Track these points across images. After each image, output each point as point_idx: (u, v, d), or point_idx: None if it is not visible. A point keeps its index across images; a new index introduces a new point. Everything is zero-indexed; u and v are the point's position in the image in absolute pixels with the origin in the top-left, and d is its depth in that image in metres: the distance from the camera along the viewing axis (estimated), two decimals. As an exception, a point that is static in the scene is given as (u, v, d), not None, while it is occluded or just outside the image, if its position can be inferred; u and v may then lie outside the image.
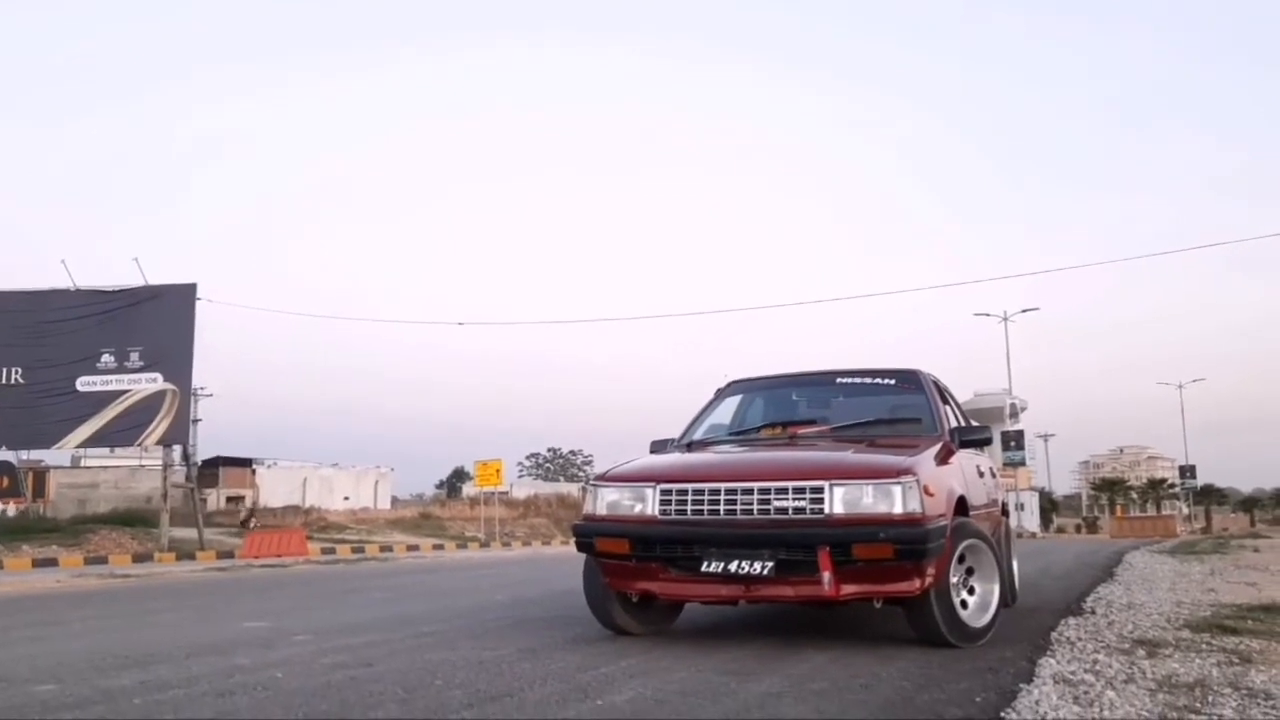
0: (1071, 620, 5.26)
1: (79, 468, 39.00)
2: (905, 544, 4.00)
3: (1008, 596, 5.59)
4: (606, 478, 4.81)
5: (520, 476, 69.65)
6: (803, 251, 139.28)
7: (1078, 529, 51.51)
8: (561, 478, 72.38)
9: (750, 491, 4.25)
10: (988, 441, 5.65)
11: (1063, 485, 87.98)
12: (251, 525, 26.03)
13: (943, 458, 4.68)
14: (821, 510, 4.12)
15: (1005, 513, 6.80)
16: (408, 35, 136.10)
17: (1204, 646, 4.17)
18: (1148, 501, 69.46)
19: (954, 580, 4.31)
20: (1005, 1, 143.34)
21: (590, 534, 4.60)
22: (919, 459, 4.35)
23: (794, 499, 4.17)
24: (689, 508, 4.36)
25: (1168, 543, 21.50)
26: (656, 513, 4.42)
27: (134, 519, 23.78)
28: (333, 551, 20.22)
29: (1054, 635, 4.63)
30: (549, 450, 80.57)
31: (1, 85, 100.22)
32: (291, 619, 6.47)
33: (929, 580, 4.12)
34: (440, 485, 73.58)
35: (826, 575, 4.02)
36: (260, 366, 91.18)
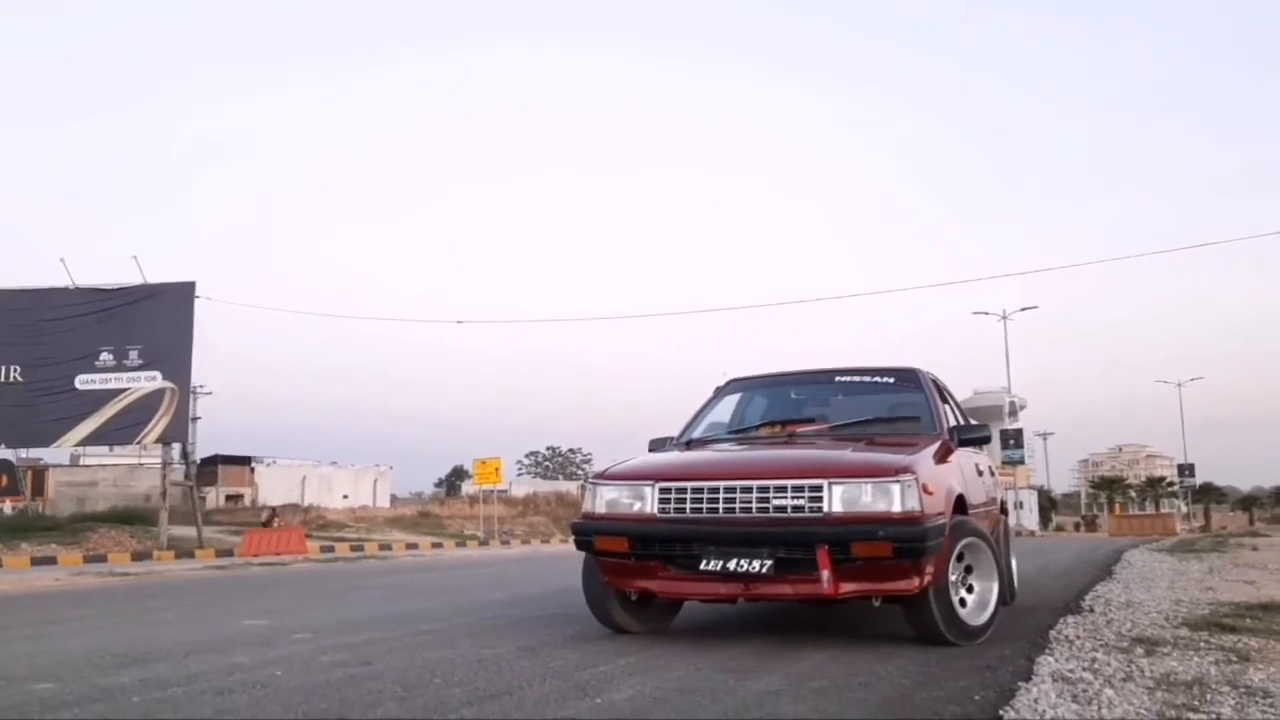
0: (1070, 618, 5.26)
1: (78, 466, 38.99)
2: (904, 542, 4.00)
3: (1006, 595, 5.59)
4: (605, 476, 4.81)
5: (519, 475, 69.73)
6: (802, 251, 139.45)
7: (1076, 527, 51.52)
8: (560, 476, 72.39)
9: (749, 490, 4.25)
10: (986, 440, 5.65)
11: (1061, 484, 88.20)
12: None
13: (941, 456, 4.68)
14: (820, 509, 4.12)
15: (1004, 511, 6.80)
16: (408, 35, 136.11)
17: (1202, 645, 4.17)
18: (1146, 500, 69.55)
19: (953, 578, 4.31)
20: (1005, 1, 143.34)
21: (589, 532, 4.60)
22: (918, 457, 4.35)
23: (793, 497, 4.17)
24: (688, 506, 4.36)
25: (1166, 541, 21.51)
26: (655, 511, 4.42)
27: (133, 517, 23.77)
28: (331, 550, 20.22)
29: (1053, 633, 4.63)
30: (548, 449, 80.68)
31: (2, 84, 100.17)
32: (290, 617, 6.47)
33: (928, 578, 4.12)
34: (439, 483, 73.71)
35: (825, 574, 4.02)
36: (259, 365, 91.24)
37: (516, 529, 32.29)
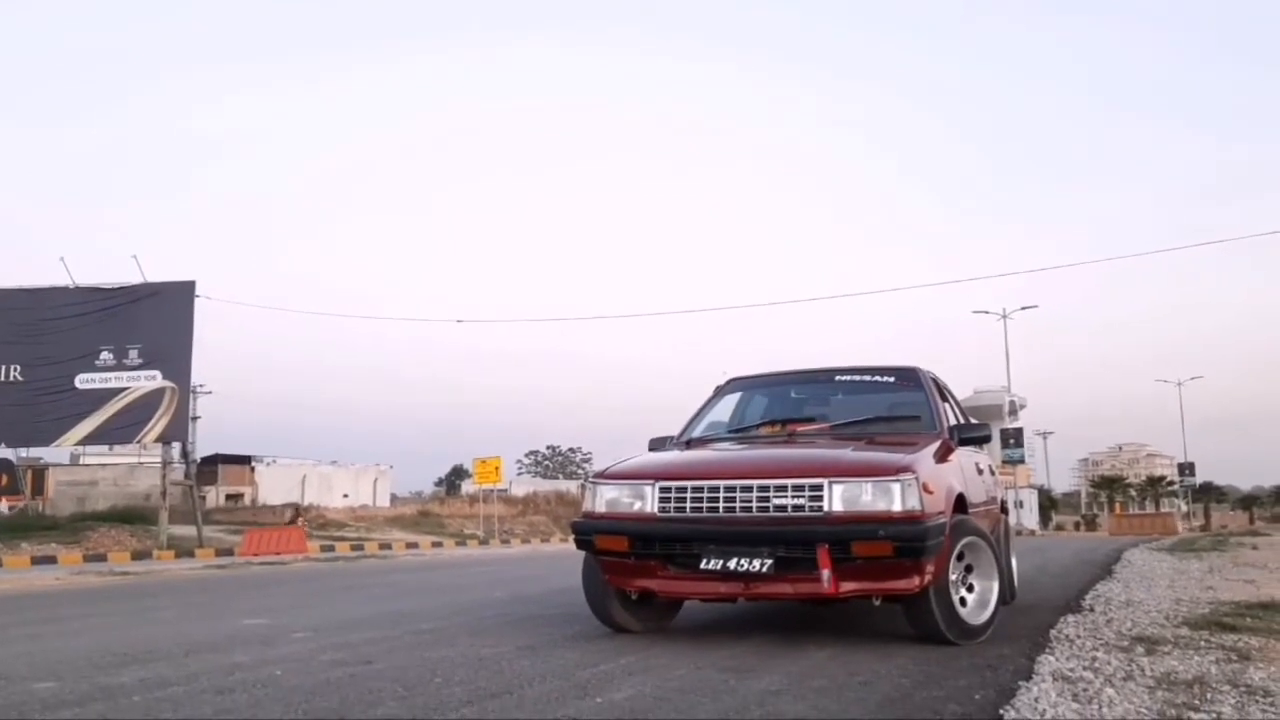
0: (1070, 618, 5.26)
1: (78, 465, 38.98)
2: (904, 541, 4.00)
3: (1007, 594, 5.59)
4: (606, 475, 4.81)
5: (519, 474, 69.78)
6: (802, 250, 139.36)
7: (1076, 526, 51.49)
8: (560, 475, 72.43)
9: (749, 489, 4.25)
10: (987, 439, 5.65)
11: (1062, 483, 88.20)
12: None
13: (942, 455, 4.68)
14: (820, 508, 4.12)
15: (1004, 510, 6.80)
16: (409, 34, 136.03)
17: (1203, 644, 4.17)
18: (1146, 499, 69.53)
19: (953, 578, 4.31)
20: (1005, 1, 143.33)
21: (589, 531, 4.60)
22: (918, 456, 4.35)
23: (793, 496, 4.17)
24: (688, 505, 4.36)
25: (1167, 540, 21.51)
26: (656, 510, 4.42)
27: (133, 516, 23.79)
28: (332, 549, 20.23)
29: (1053, 633, 4.63)
30: (548, 448, 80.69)
31: (1, 84, 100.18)
32: (290, 616, 6.47)
33: (928, 578, 4.12)
34: (439, 483, 73.73)
35: (825, 573, 4.02)
36: (259, 364, 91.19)
37: (516, 528, 32.30)
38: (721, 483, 4.33)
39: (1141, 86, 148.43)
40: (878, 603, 4.37)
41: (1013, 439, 40.34)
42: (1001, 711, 2.94)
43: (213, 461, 41.71)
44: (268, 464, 48.69)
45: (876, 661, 3.88)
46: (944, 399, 5.68)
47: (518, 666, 3.91)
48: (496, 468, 28.36)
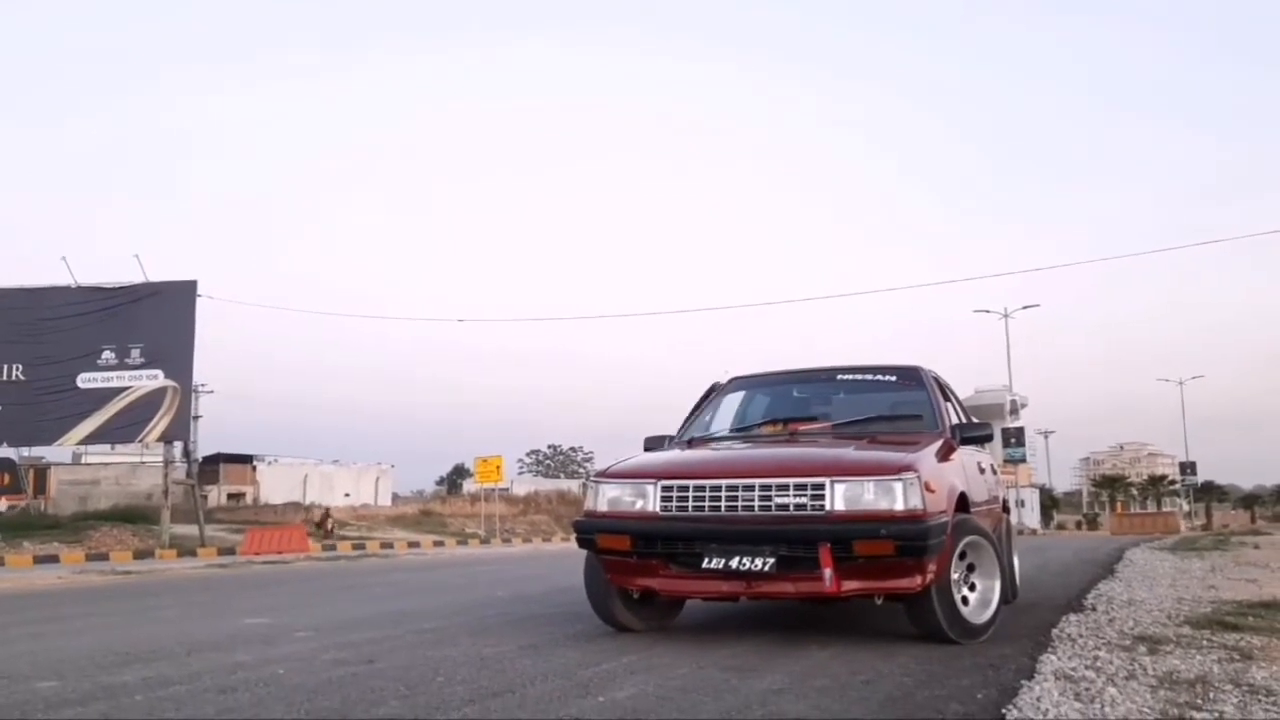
0: (1072, 617, 5.26)
1: (80, 464, 39.07)
2: (906, 541, 4.00)
3: (1008, 593, 5.58)
4: (608, 474, 4.81)
5: (521, 473, 69.69)
6: (802, 249, 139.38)
7: (1078, 526, 51.49)
8: (562, 474, 72.35)
9: (751, 488, 4.25)
10: (989, 438, 5.64)
11: (1063, 482, 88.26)
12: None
13: (944, 454, 4.68)
14: (822, 507, 4.12)
15: (1006, 509, 6.79)
16: (409, 34, 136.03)
17: (1205, 643, 4.17)
18: (1148, 498, 69.45)
19: (955, 577, 4.31)
20: (1005, 1, 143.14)
21: (591, 530, 4.60)
22: (920, 455, 4.34)
23: (795, 495, 4.17)
24: (690, 504, 4.36)
25: (1168, 539, 21.50)
26: (658, 509, 4.42)
27: (135, 515, 23.84)
28: (333, 548, 20.25)
29: (1055, 632, 4.63)
30: (549, 447, 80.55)
31: (2, 83, 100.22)
32: (293, 615, 6.48)
33: (930, 577, 4.12)
34: (440, 482, 73.73)
35: (827, 572, 4.01)
36: (260, 363, 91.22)
37: (518, 527, 32.32)
38: (723, 482, 4.33)
39: (1141, 86, 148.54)
40: (880, 602, 4.37)
41: (1014, 438, 40.32)
42: (1004, 711, 2.94)
43: (214, 461, 41.76)
44: (269, 463, 48.73)
45: (879, 660, 3.88)
46: (946, 398, 5.68)
47: (520, 665, 3.91)
48: (498, 467, 28.37)
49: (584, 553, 4.81)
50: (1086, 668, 3.58)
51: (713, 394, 5.91)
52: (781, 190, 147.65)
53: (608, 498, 4.62)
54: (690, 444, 5.38)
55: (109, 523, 22.17)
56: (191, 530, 20.94)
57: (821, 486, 4.14)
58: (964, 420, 5.80)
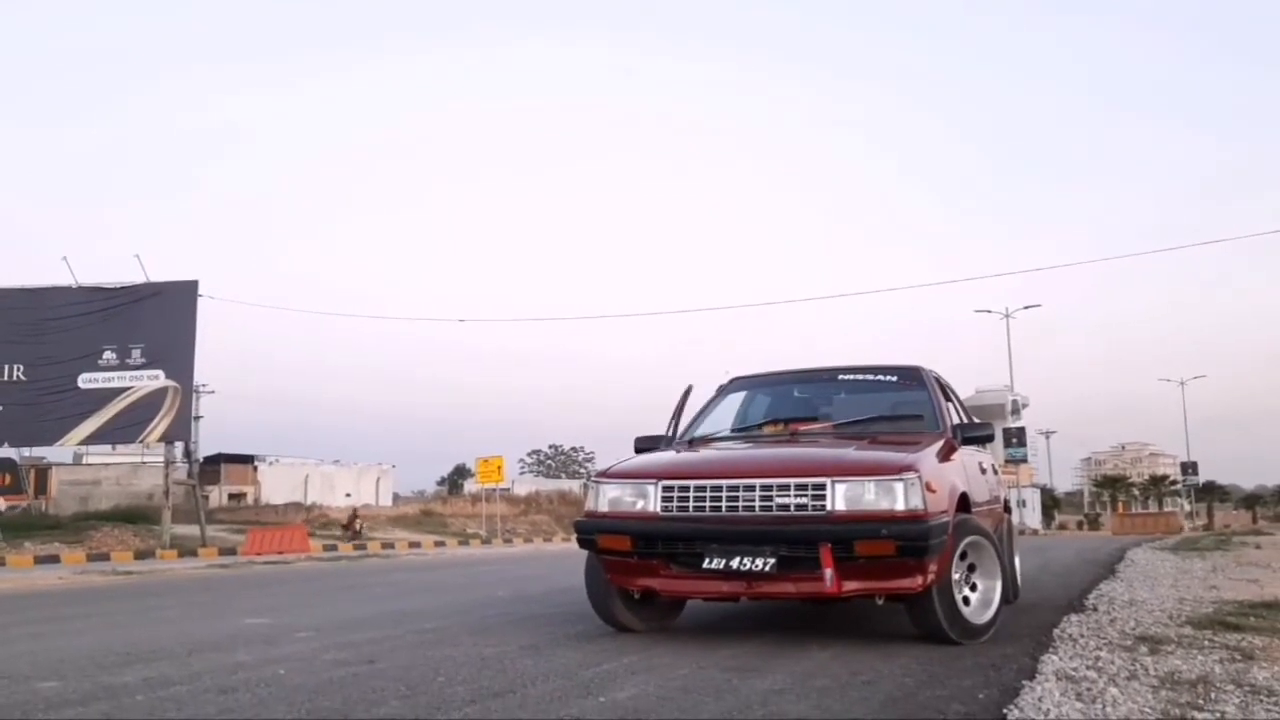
0: (1074, 617, 5.26)
1: (81, 465, 39.07)
2: (907, 541, 4.00)
3: (1010, 593, 5.58)
4: (608, 474, 4.80)
5: (521, 473, 69.64)
6: (803, 249, 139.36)
7: (1079, 526, 51.47)
8: (563, 474, 72.34)
9: (752, 488, 4.25)
10: (990, 438, 5.63)
11: (1064, 482, 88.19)
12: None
13: (945, 454, 4.67)
14: (823, 507, 4.11)
15: (1007, 509, 6.79)
16: (410, 34, 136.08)
17: (1206, 643, 4.16)
18: (1149, 498, 69.45)
19: (956, 577, 4.30)
20: (1005, 1, 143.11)
21: (592, 530, 4.60)
22: (921, 455, 4.34)
23: (796, 496, 4.17)
24: (691, 504, 4.35)
25: (1169, 539, 21.48)
26: (658, 509, 4.42)
27: (136, 516, 23.87)
28: (334, 548, 20.25)
29: (1056, 632, 4.62)
30: (550, 447, 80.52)
31: (2, 82, 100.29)
32: (293, 615, 6.48)
33: (931, 577, 4.11)
34: (441, 482, 73.73)
35: (828, 572, 4.01)
36: (261, 363, 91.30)
37: (519, 527, 32.33)
38: (724, 482, 4.33)
39: (1141, 86, 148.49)
40: (880, 602, 4.36)
41: (1015, 438, 40.31)
42: (1005, 711, 2.94)
43: (215, 461, 41.78)
44: (270, 463, 48.76)
45: (879, 661, 3.87)
46: (947, 398, 5.67)
47: (521, 666, 3.91)
48: (499, 467, 28.39)
49: (585, 553, 4.81)
50: (1088, 668, 3.58)
51: (689, 395, 5.82)
52: (781, 190, 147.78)
53: (608, 498, 4.62)
54: (691, 444, 5.37)
55: (110, 523, 22.20)
56: (192, 530, 20.95)
57: (822, 487, 4.14)
58: (965, 420, 5.79)
